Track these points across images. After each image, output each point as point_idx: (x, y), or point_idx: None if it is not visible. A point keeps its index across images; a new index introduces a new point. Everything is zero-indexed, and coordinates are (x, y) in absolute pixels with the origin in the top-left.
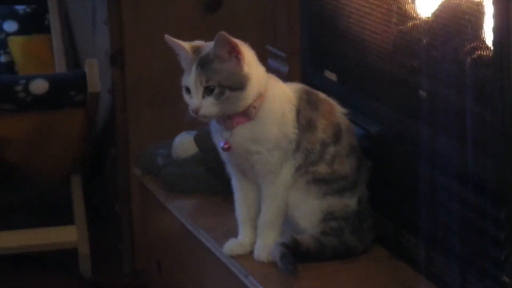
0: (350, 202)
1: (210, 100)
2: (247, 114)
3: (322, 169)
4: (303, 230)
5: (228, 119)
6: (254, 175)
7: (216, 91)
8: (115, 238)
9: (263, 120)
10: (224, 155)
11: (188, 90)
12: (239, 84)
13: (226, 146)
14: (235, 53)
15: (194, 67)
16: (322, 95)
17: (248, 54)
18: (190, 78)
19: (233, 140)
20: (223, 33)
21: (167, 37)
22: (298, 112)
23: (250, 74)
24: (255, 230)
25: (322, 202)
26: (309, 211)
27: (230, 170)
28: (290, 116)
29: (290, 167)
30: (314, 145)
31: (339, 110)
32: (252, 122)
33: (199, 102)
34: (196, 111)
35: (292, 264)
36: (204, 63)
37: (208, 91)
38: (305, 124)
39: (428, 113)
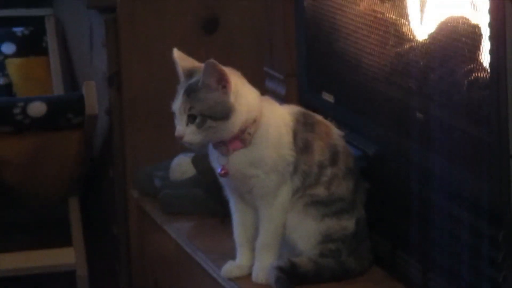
0: (348, 224)
1: (192, 128)
2: (242, 140)
3: (319, 191)
4: (301, 252)
5: (223, 145)
6: (252, 198)
7: (198, 120)
8: (112, 259)
9: (259, 145)
10: (222, 180)
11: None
12: (223, 114)
13: (223, 172)
14: (223, 82)
15: (181, 93)
16: (318, 117)
17: (238, 83)
18: (176, 104)
19: (230, 166)
20: (212, 61)
21: (176, 51)
22: (295, 135)
23: (237, 105)
24: (253, 252)
25: (320, 225)
26: (307, 233)
27: (228, 193)
28: (287, 138)
29: (288, 190)
30: (312, 167)
31: (336, 132)
32: (248, 148)
33: (183, 129)
34: (180, 138)
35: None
36: (190, 90)
37: (191, 118)
38: (302, 146)
39: (425, 134)
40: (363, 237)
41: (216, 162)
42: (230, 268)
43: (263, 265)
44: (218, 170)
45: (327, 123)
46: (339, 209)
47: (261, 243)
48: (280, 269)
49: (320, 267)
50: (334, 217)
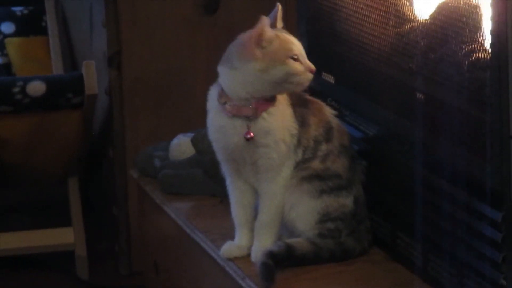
0: (346, 201)
1: None
2: (271, 98)
3: (315, 164)
4: (300, 233)
5: (253, 107)
6: (253, 173)
7: None
8: (112, 239)
9: (271, 114)
10: (223, 153)
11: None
12: None
13: (250, 136)
14: None
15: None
16: (308, 96)
17: None
18: (300, 47)
19: (253, 130)
20: None
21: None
22: (293, 108)
23: None
24: (252, 233)
25: (318, 202)
26: (305, 212)
27: (226, 170)
28: (288, 111)
29: (290, 165)
30: (309, 142)
31: (328, 110)
32: (271, 109)
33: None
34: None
35: (269, 276)
36: None
37: None
38: (300, 120)
39: (425, 115)
40: (362, 216)
41: (232, 129)
42: (230, 249)
43: (263, 245)
44: (245, 134)
45: (318, 101)
46: (336, 185)
47: (260, 222)
48: (270, 254)
49: (319, 248)
50: (332, 194)
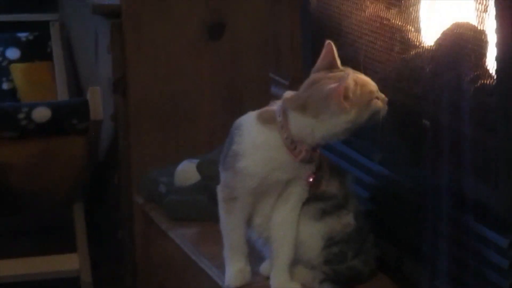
0: (348, 219)
1: None
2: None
3: (312, 189)
4: (306, 261)
5: (317, 152)
6: (273, 204)
7: None
8: (117, 264)
9: None
10: (258, 187)
11: None
12: None
13: (312, 179)
14: None
15: None
16: None
17: None
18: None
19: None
20: None
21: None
22: None
23: None
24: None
25: (321, 226)
26: (309, 237)
27: (241, 205)
28: None
29: None
30: None
31: None
32: None
33: None
34: None
35: None
36: None
37: None
38: None
39: (431, 140)
40: (366, 232)
41: (297, 172)
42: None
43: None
44: (308, 178)
45: None
46: (335, 204)
47: (290, 255)
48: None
49: (337, 275)
50: (334, 215)
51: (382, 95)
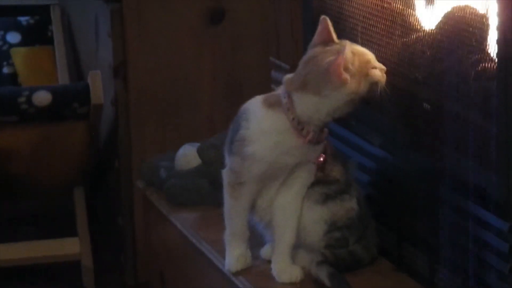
0: (351, 204)
1: None
2: None
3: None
4: (308, 245)
5: (325, 131)
6: (279, 188)
7: None
8: (118, 250)
9: None
10: (267, 172)
11: None
12: None
13: (322, 160)
14: None
15: None
16: None
17: None
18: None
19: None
20: None
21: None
22: None
23: None
24: (247, 240)
25: (325, 210)
26: (312, 221)
27: (248, 190)
28: None
29: None
30: None
31: None
32: None
33: None
34: None
35: (345, 283)
36: None
37: None
38: None
39: (431, 125)
40: (367, 218)
41: (307, 155)
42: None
43: (289, 264)
44: (318, 160)
45: None
46: (338, 189)
47: (291, 240)
48: (324, 264)
49: (337, 259)
50: (337, 199)
51: (380, 65)
